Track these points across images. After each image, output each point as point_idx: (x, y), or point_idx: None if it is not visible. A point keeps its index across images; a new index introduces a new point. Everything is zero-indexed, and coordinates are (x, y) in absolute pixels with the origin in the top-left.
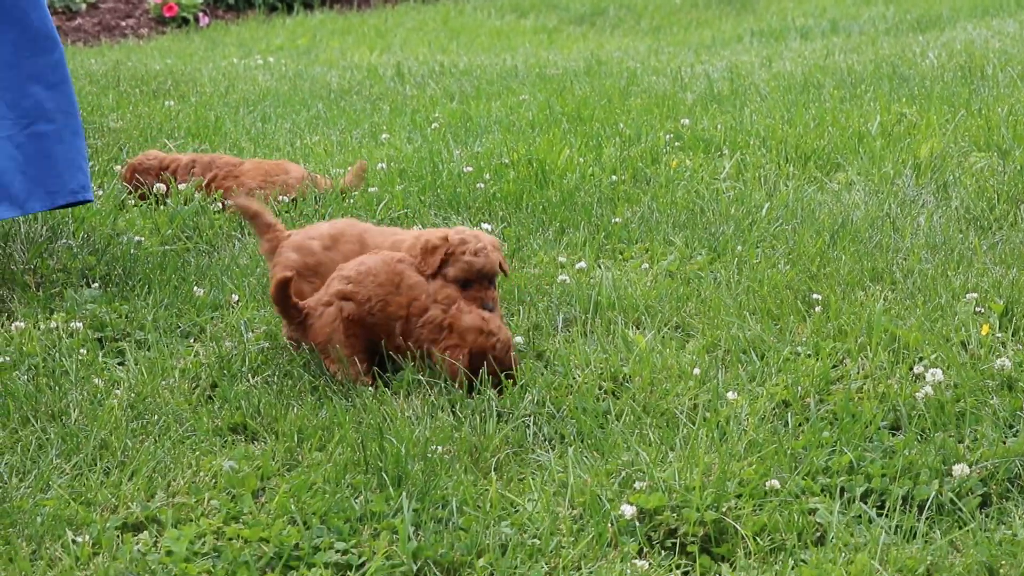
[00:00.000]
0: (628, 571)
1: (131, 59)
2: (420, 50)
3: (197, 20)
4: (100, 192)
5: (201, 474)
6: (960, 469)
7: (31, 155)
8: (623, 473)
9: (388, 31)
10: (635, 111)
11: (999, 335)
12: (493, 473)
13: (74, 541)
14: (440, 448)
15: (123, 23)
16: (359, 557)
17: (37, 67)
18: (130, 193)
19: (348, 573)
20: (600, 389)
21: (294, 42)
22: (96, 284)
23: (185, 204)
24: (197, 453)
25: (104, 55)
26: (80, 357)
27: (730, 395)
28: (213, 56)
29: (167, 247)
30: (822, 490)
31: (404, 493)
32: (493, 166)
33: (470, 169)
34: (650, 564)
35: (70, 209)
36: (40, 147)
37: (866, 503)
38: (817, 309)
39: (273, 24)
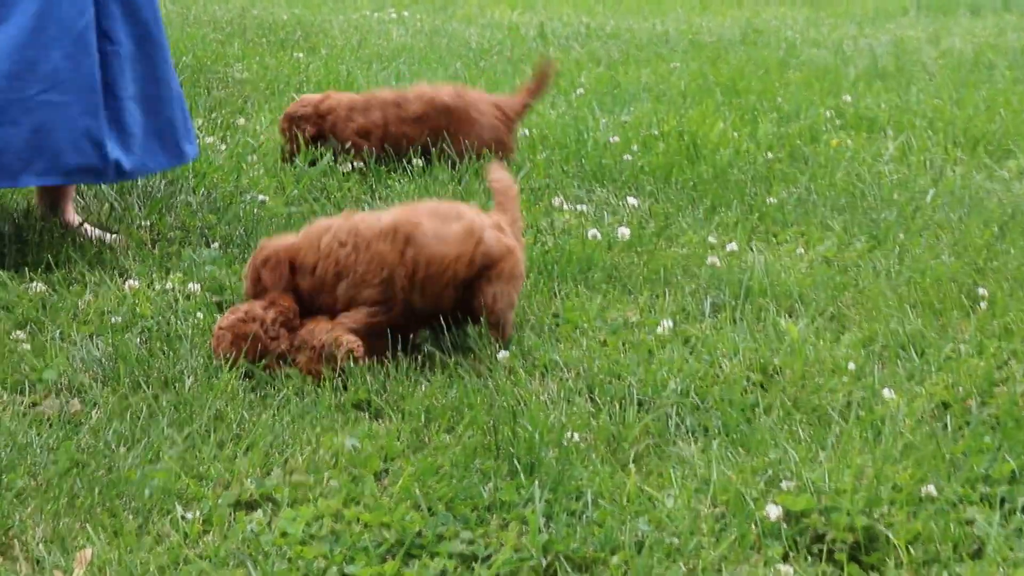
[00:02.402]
0: None
1: (257, 7)
2: (564, 10)
3: None
4: (223, 147)
5: (321, 452)
6: None
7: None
8: (769, 472)
9: None
10: (794, 85)
11: None
12: (632, 465)
13: (183, 517)
14: (576, 436)
15: None
16: (485, 548)
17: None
18: (289, 143)
19: (474, 564)
20: (748, 380)
21: None
22: (216, 244)
23: (313, 164)
24: (317, 429)
25: (229, 1)
26: (196, 321)
27: (886, 393)
28: (343, 7)
29: (292, 208)
30: (981, 499)
31: (536, 482)
32: (641, 137)
33: (617, 139)
34: (795, 570)
35: (191, 164)
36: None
37: None
38: (982, 305)
39: None
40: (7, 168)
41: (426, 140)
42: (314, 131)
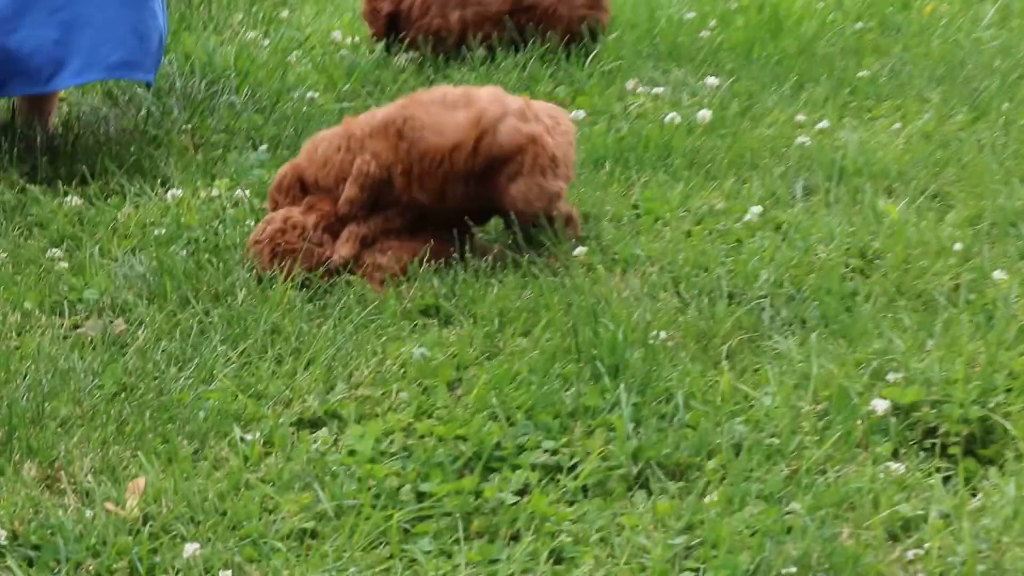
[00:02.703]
0: (881, 475)
1: None
2: None
3: None
4: (266, 42)
5: (388, 363)
6: None
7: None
8: (874, 363)
9: None
10: None
11: None
12: (724, 362)
13: (242, 439)
14: (663, 334)
15: None
16: (571, 457)
17: None
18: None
19: (558, 475)
20: (846, 267)
21: None
22: (264, 146)
23: (370, 53)
24: (383, 339)
25: None
26: (246, 229)
27: (997, 274)
28: None
29: (344, 104)
30: None
31: (622, 385)
32: (719, 11)
33: (692, 15)
34: (906, 468)
35: (232, 62)
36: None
37: None
38: None
39: None
40: (37, 73)
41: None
42: (391, 9)
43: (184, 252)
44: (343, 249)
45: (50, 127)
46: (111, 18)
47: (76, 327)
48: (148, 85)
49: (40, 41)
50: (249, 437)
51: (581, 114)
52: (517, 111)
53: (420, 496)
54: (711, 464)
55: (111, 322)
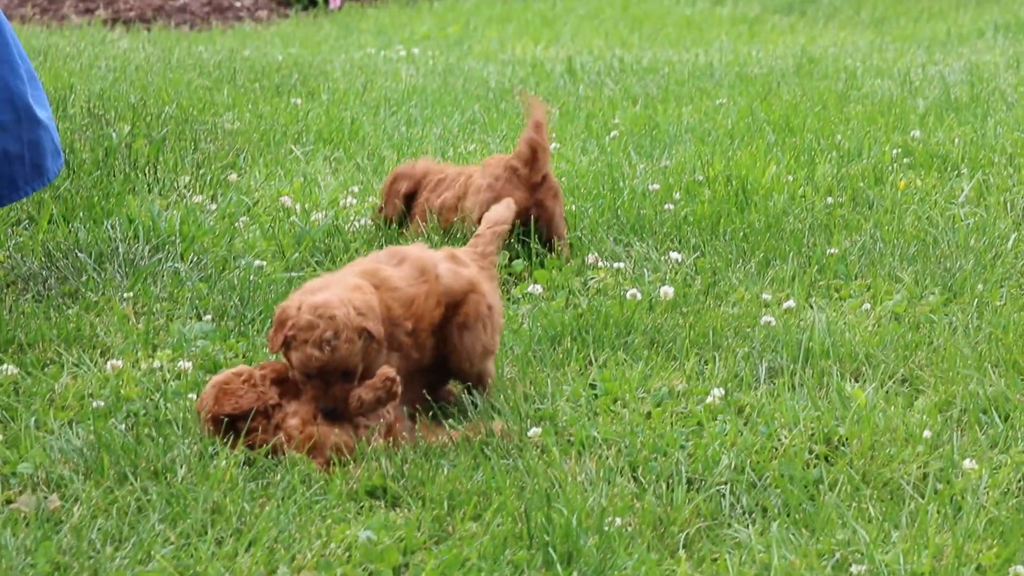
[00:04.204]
0: None
1: (248, 47)
2: (595, 42)
3: (327, 1)
4: (213, 206)
5: (332, 546)
6: None
7: None
8: (837, 554)
9: (556, 19)
10: (855, 120)
11: None
12: (682, 551)
13: None
14: (619, 520)
15: (237, 3)
16: None
17: None
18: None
19: None
20: (811, 453)
21: (443, 30)
22: (208, 316)
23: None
24: (328, 521)
25: (215, 42)
26: (188, 403)
27: (967, 463)
28: (346, 45)
29: (293, 274)
30: None
31: (575, 574)
32: (684, 183)
33: (657, 187)
34: None
35: (177, 227)
36: None
37: None
38: None
39: (418, 8)
40: None
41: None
42: (409, 189)
43: (123, 426)
44: None
45: None
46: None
47: (9, 502)
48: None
49: None
50: None
51: (539, 289)
52: (447, 256)
53: None
54: None
55: (45, 498)
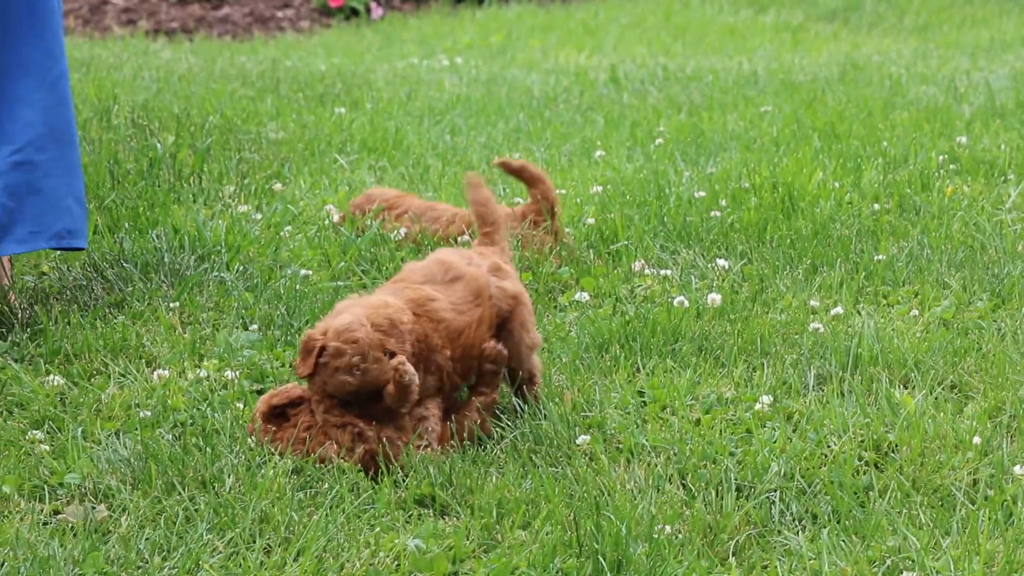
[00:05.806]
0: None
1: (291, 57)
2: (638, 50)
3: (369, 11)
4: (258, 216)
5: (381, 555)
6: None
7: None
8: (888, 561)
9: (599, 28)
10: (901, 127)
11: None
12: (732, 559)
13: None
14: (668, 528)
15: (279, 14)
16: None
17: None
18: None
19: None
20: (860, 460)
21: (486, 39)
22: (254, 326)
23: (361, 233)
24: (376, 530)
25: (258, 52)
26: (236, 413)
27: (1017, 469)
28: (389, 55)
29: (339, 283)
30: None
31: None
32: (730, 191)
33: (703, 194)
34: None
35: (223, 237)
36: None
37: None
38: None
39: (460, 17)
40: None
41: None
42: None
43: (170, 436)
44: None
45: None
46: (57, 187)
47: (56, 513)
48: (82, 250)
49: None
50: None
51: (585, 296)
52: (492, 268)
53: None
54: None
55: (93, 508)
